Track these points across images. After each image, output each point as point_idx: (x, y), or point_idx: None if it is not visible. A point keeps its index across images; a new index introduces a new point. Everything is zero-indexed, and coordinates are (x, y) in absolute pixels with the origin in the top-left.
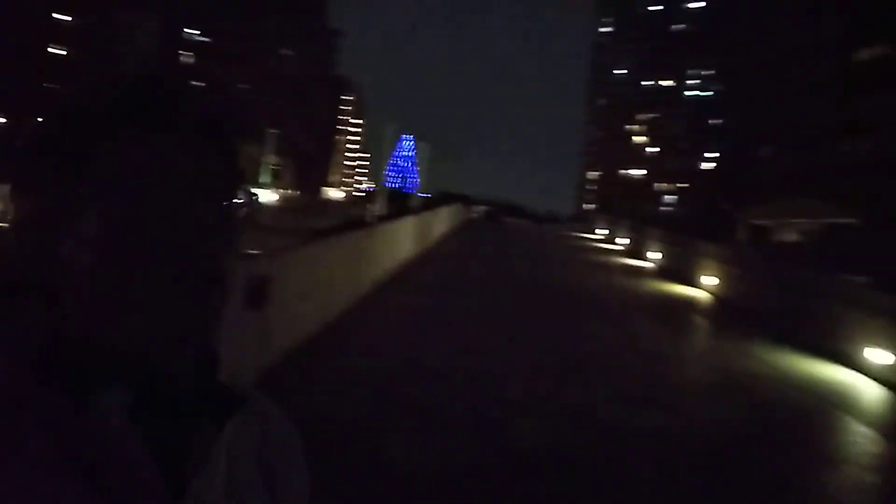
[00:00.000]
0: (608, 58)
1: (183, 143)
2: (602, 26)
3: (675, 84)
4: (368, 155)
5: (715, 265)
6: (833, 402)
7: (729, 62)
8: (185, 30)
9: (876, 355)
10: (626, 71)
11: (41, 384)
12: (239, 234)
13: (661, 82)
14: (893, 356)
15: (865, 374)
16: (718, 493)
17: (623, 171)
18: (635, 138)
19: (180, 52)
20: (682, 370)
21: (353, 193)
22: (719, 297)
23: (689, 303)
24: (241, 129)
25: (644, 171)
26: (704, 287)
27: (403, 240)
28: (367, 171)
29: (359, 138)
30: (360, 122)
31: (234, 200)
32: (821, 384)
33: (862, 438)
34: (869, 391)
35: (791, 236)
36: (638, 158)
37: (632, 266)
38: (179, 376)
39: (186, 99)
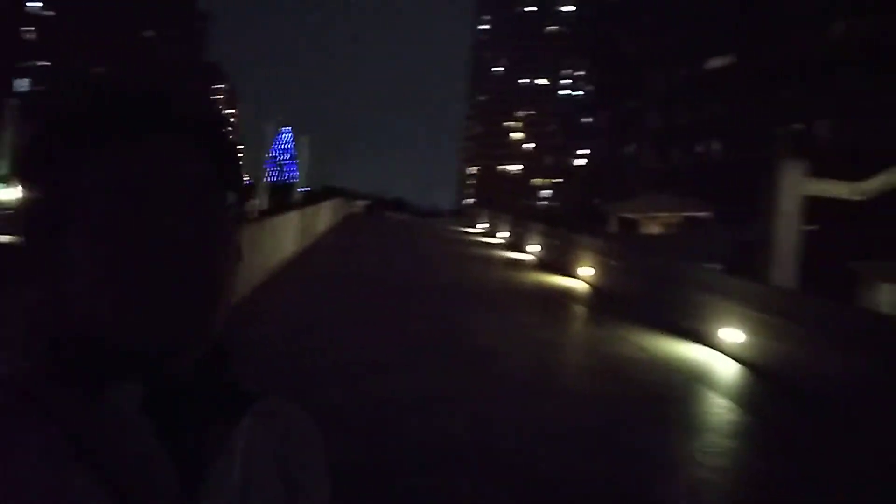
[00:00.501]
0: (487, 55)
1: (173, 146)
2: (481, 24)
3: (549, 83)
4: (242, 147)
5: (590, 256)
6: (695, 378)
7: (597, 64)
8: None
9: (729, 335)
10: (503, 69)
11: (53, 379)
12: (236, 233)
13: (536, 81)
14: (744, 335)
15: (721, 352)
16: (598, 465)
17: (501, 167)
18: (513, 135)
19: (22, 28)
20: (564, 355)
21: None
22: (595, 286)
23: (567, 293)
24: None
25: (521, 167)
26: (582, 277)
27: (286, 236)
28: (242, 164)
29: (231, 129)
30: (234, 111)
31: (230, 200)
32: (684, 363)
33: (720, 409)
34: (725, 367)
35: (655, 229)
36: (515, 154)
37: (513, 258)
38: (187, 373)
39: (176, 101)
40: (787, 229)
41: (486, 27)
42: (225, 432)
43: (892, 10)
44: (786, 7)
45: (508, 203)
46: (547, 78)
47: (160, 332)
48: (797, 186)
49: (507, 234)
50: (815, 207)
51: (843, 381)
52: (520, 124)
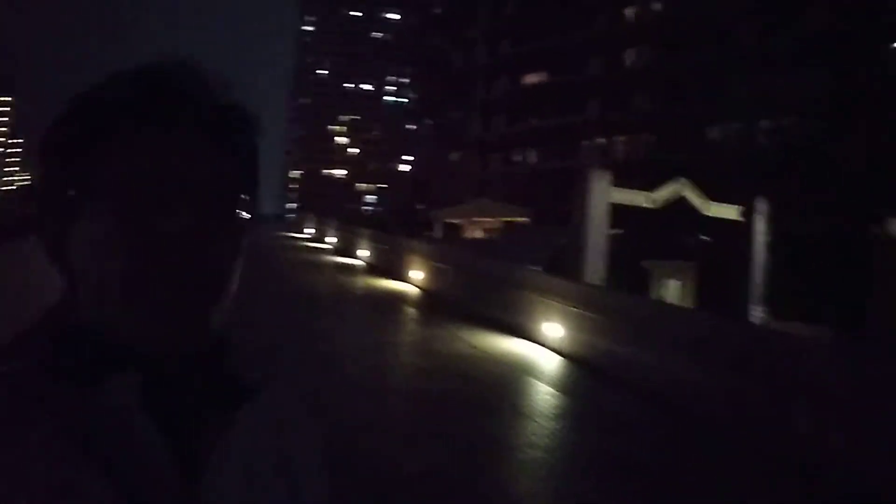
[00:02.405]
0: (312, 57)
1: (186, 142)
2: (305, 24)
3: (374, 89)
4: (21, 141)
5: (419, 261)
6: (522, 371)
7: (421, 73)
8: None
9: (551, 329)
10: (327, 72)
11: (53, 373)
12: (244, 234)
13: (362, 86)
14: (563, 329)
15: (544, 346)
16: (438, 452)
17: (326, 171)
18: (338, 139)
19: None
20: (401, 356)
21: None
22: (426, 289)
23: (400, 296)
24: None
25: (346, 172)
26: (412, 281)
27: None
28: (19, 161)
29: (7, 119)
30: (8, 99)
31: (243, 202)
32: (512, 357)
33: (546, 396)
34: (548, 359)
35: (478, 233)
36: (340, 158)
37: (344, 263)
38: (186, 365)
39: (194, 95)
40: (597, 233)
41: (310, 28)
42: (224, 424)
43: (673, 44)
44: (588, 32)
45: (334, 208)
46: (372, 83)
47: (160, 329)
48: (604, 194)
49: (334, 240)
50: (619, 213)
51: (642, 361)
52: (344, 129)
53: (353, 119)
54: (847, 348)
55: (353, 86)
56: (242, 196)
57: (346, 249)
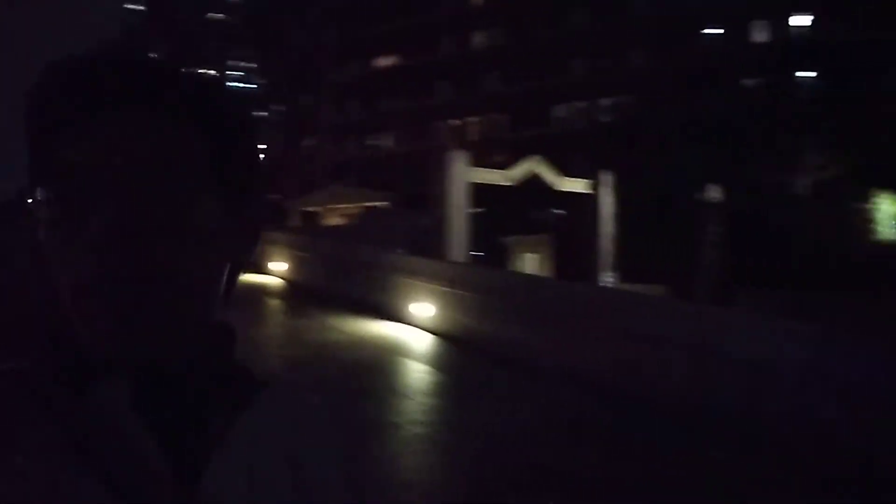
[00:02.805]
0: (139, 40)
1: (167, 125)
2: (129, 2)
3: (217, 74)
4: None
5: (280, 251)
6: (396, 352)
7: (268, 57)
8: None
9: (419, 309)
10: (160, 56)
11: (52, 373)
12: (248, 231)
13: (200, 71)
14: (432, 307)
15: (415, 326)
16: (320, 433)
17: None
18: None
19: None
20: (273, 349)
21: None
22: (289, 280)
23: (262, 289)
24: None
25: None
26: (274, 272)
27: None
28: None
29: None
30: None
31: (241, 194)
32: (384, 339)
33: (421, 374)
34: (420, 338)
35: (337, 220)
36: None
37: None
38: (185, 364)
39: (174, 74)
40: (458, 212)
41: (139, 7)
42: (227, 422)
43: (520, 25)
44: (434, 13)
45: None
46: (215, 69)
47: (113, 342)
48: (463, 174)
49: None
50: (479, 192)
51: (506, 331)
52: None
53: None
54: (666, 300)
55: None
56: (210, 179)
57: None
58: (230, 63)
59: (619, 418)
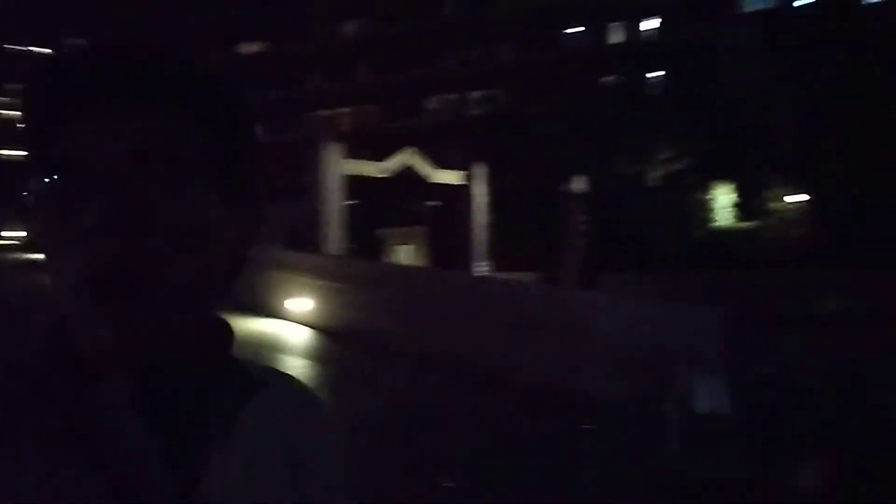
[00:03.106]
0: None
1: (162, 119)
2: None
3: (54, 52)
4: None
5: None
6: (275, 348)
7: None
8: None
9: (297, 304)
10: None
11: (55, 367)
12: (248, 226)
13: (33, 48)
14: (311, 302)
15: (293, 321)
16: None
17: None
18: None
19: None
20: None
21: None
22: None
23: None
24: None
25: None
26: None
27: None
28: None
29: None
30: None
31: (241, 188)
32: (263, 336)
33: (302, 368)
34: (299, 333)
35: None
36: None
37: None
38: (185, 360)
39: (171, 67)
40: (332, 205)
41: None
42: (227, 420)
43: (390, 16)
44: (307, 2)
45: None
46: (48, 47)
47: (105, 339)
48: (337, 166)
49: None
50: (353, 184)
51: (383, 321)
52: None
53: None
54: (533, 286)
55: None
56: (203, 173)
57: None
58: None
59: (490, 401)
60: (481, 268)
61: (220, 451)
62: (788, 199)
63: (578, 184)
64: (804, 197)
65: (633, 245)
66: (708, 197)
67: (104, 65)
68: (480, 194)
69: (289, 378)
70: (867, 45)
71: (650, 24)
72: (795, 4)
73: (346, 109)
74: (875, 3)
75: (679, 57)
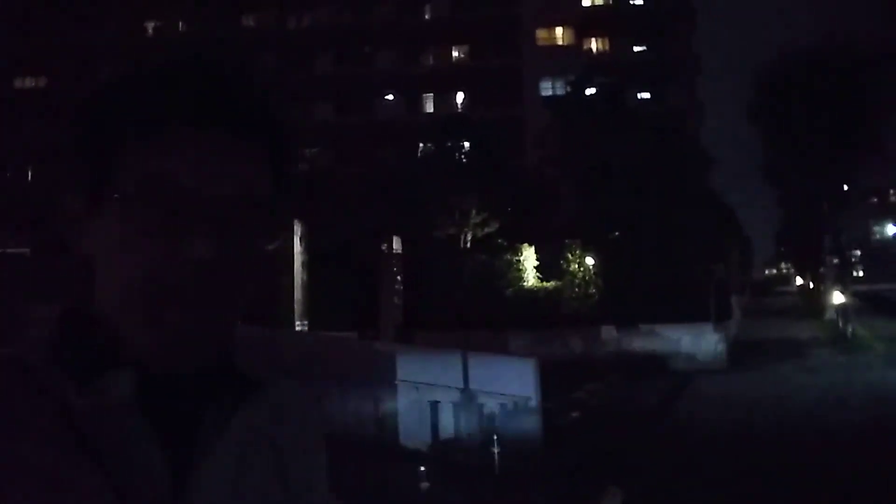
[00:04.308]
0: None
1: (230, 148)
2: None
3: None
4: None
5: None
6: None
7: None
8: None
9: None
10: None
11: (58, 362)
12: (269, 251)
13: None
14: None
15: None
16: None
17: None
18: None
19: None
20: None
21: None
22: None
23: None
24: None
25: None
26: None
27: None
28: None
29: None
30: None
31: (275, 215)
32: None
33: None
34: None
35: None
36: None
37: None
38: (186, 363)
39: (245, 95)
40: None
41: None
42: (222, 421)
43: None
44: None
45: None
46: None
47: (170, 349)
48: None
49: None
50: None
51: None
52: None
53: None
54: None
55: None
56: (273, 215)
57: None
58: None
59: None
60: (298, 325)
61: (211, 454)
62: (585, 262)
63: (395, 244)
64: (595, 260)
65: (446, 304)
66: (515, 259)
67: (204, 86)
68: (298, 252)
69: (284, 381)
70: (638, 131)
71: (461, 97)
72: (586, 92)
73: None
74: (644, 99)
75: (488, 129)
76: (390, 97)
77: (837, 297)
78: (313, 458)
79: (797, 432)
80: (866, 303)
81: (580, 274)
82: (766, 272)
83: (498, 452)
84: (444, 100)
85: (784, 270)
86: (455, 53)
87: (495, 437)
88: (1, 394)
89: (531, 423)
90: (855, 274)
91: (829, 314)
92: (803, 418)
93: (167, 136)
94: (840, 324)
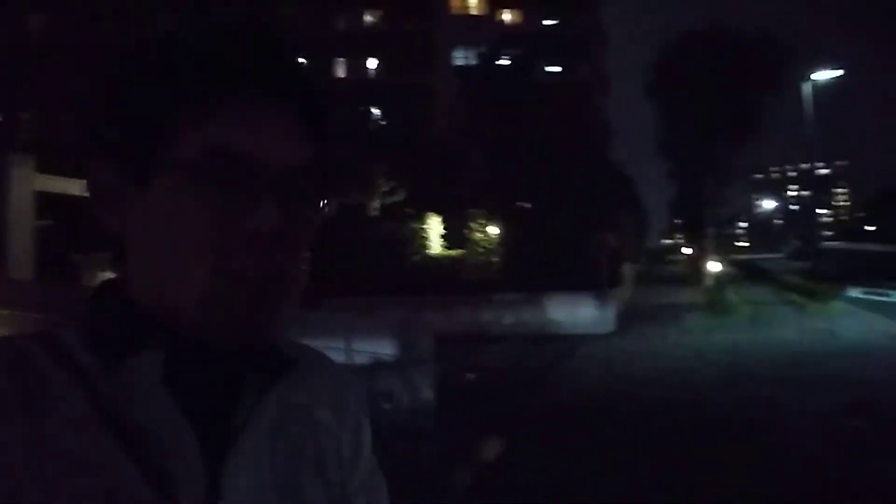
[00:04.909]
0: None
1: (283, 121)
2: None
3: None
4: None
5: None
6: None
7: None
8: None
9: None
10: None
11: (88, 342)
12: (315, 225)
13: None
14: None
15: None
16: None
17: None
18: None
19: None
20: None
21: None
22: None
23: None
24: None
25: None
26: None
27: None
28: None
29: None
30: None
31: (320, 197)
32: None
33: None
34: None
35: None
36: None
37: None
38: (241, 340)
39: (297, 66)
40: (20, 226)
41: None
42: (258, 401)
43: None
44: None
45: None
46: None
47: (225, 330)
48: (27, 182)
49: None
50: (47, 203)
51: None
52: None
53: None
54: None
55: None
56: (326, 189)
57: None
58: None
59: None
60: None
61: (246, 435)
62: (488, 231)
63: None
64: (499, 229)
65: (352, 270)
66: (421, 227)
67: (265, 50)
68: None
69: (321, 357)
70: (544, 103)
71: (373, 63)
72: (496, 63)
73: (27, 115)
74: (553, 71)
75: (399, 96)
76: (302, 61)
77: (713, 267)
78: (356, 437)
79: (662, 377)
80: (742, 271)
81: (483, 243)
82: (662, 242)
83: (389, 408)
84: (356, 65)
85: (677, 241)
86: (368, 18)
87: (386, 395)
88: (35, 373)
89: (425, 383)
90: (740, 244)
91: (707, 282)
92: (669, 367)
93: (230, 102)
94: (714, 291)
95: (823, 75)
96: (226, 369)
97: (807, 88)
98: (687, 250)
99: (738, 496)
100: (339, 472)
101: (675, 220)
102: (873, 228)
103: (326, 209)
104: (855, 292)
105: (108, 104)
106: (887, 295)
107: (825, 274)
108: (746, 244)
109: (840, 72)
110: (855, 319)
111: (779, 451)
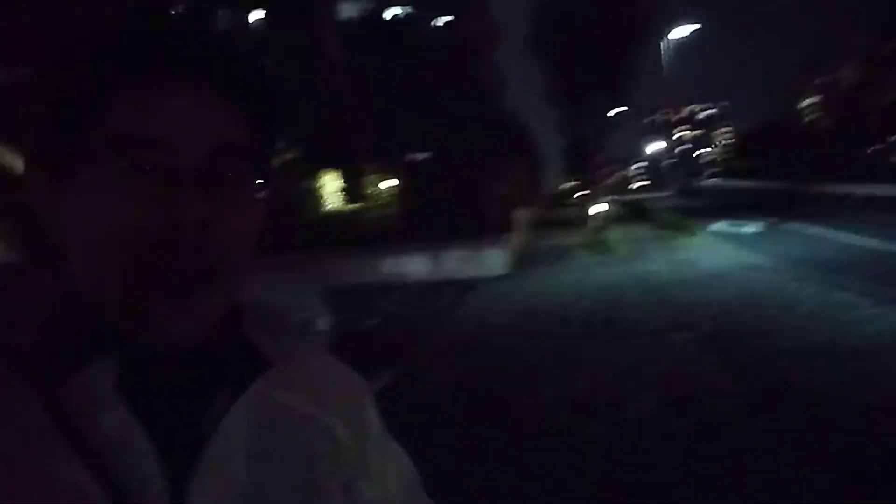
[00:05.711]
0: None
1: (196, 93)
2: None
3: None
4: None
5: None
6: None
7: None
8: None
9: None
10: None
11: (42, 353)
12: (255, 205)
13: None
14: None
15: None
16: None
17: None
18: None
19: None
20: None
21: None
22: None
23: None
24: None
25: None
26: None
27: None
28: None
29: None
30: None
31: (255, 166)
32: None
33: None
34: None
35: None
36: None
37: None
38: (188, 342)
39: (201, 37)
40: None
41: None
42: (227, 404)
43: None
44: None
45: None
46: None
47: (155, 320)
48: None
49: None
50: None
51: None
52: None
53: None
54: None
55: None
56: (260, 169)
57: None
58: None
59: None
60: None
61: (215, 440)
62: (384, 184)
63: None
64: (395, 182)
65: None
66: (318, 183)
67: (175, 36)
68: None
69: (314, 353)
70: (434, 55)
71: (257, 15)
72: (384, 16)
73: None
74: (439, 26)
75: (283, 52)
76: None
77: (597, 208)
78: (356, 429)
79: (544, 308)
80: (628, 211)
81: (380, 196)
82: (560, 187)
83: None
84: (239, 18)
85: (572, 185)
86: None
87: None
88: None
89: (325, 326)
90: (639, 184)
91: (592, 223)
92: (549, 302)
93: (139, 85)
94: (598, 231)
95: (683, 31)
96: (190, 373)
97: (664, 43)
98: (581, 194)
99: (583, 379)
100: (339, 469)
101: (569, 165)
102: (756, 165)
103: (269, 187)
104: (717, 226)
105: (21, 98)
106: (743, 227)
107: (696, 210)
108: (646, 183)
109: (698, 26)
110: (715, 251)
111: (616, 357)
